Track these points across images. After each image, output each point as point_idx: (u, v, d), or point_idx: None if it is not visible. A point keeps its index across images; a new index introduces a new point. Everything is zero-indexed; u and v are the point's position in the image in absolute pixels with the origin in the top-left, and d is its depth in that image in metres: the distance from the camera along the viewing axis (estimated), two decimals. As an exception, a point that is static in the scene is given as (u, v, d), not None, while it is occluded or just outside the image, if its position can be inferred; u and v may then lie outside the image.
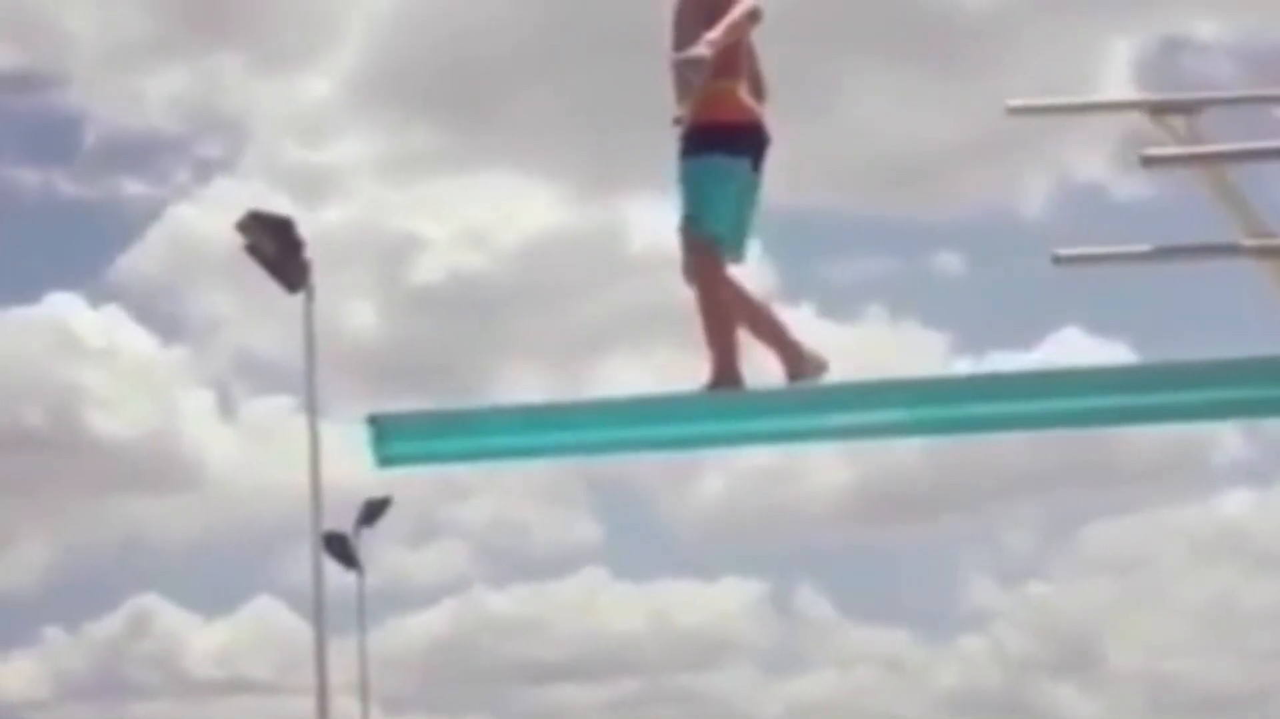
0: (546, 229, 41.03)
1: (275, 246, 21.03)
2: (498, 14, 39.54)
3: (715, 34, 7.58)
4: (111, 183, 49.28)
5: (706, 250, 7.82)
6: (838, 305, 42.69)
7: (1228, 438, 35.98)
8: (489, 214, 40.70)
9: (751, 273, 7.62)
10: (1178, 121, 7.93)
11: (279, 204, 40.21)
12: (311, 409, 21.41)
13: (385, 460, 7.42)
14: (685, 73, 7.63)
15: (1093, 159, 39.65)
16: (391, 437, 7.25)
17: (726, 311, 7.92)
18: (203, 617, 38.22)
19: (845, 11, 35.67)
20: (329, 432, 39.75)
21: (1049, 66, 38.67)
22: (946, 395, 8.00)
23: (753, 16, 7.75)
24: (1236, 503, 37.70)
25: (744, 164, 7.83)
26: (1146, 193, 38.92)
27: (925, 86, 38.18)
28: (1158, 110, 8.01)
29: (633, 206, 41.32)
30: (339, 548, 26.44)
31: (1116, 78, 38.86)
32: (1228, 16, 39.18)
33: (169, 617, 38.01)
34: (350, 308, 37.90)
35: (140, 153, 48.43)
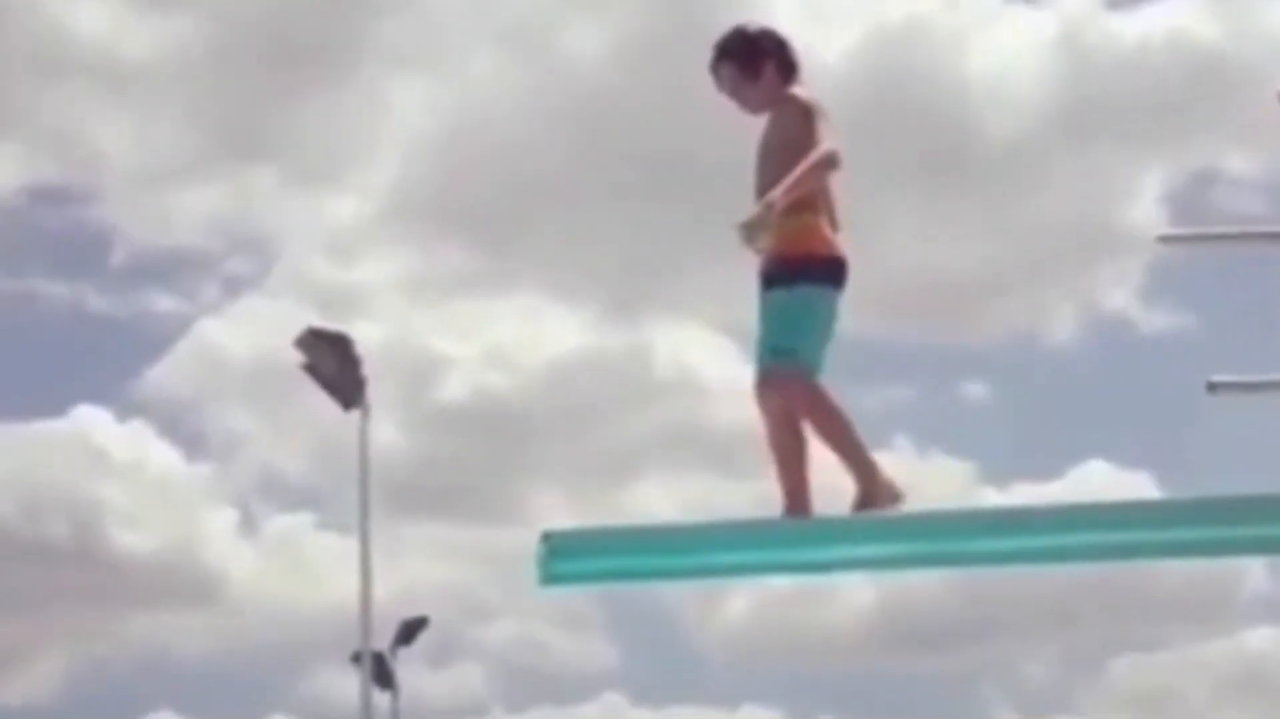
0: (573, 351, 41.11)
1: (334, 363, 21.13)
2: (529, 135, 39.84)
3: (778, 193, 7.71)
4: (140, 298, 49.31)
5: (803, 379, 7.87)
6: (863, 432, 42.58)
7: (1254, 574, 35.93)
8: (516, 335, 40.84)
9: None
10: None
11: (306, 321, 40.78)
12: (364, 529, 21.37)
13: (552, 578, 7.43)
14: (749, 234, 7.78)
15: (1119, 290, 39.93)
16: (563, 554, 7.27)
17: (846, 427, 7.91)
18: (219, 734, 37.97)
19: (874, 136, 35.98)
20: (350, 549, 39.99)
21: (1078, 195, 38.98)
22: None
23: (830, 163, 7.85)
24: (1262, 639, 37.54)
25: (831, 294, 7.94)
26: (1170, 324, 39.28)
27: (954, 213, 38.32)
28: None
29: (659, 329, 41.49)
30: (375, 667, 26.30)
31: (1145, 209, 39.17)
32: (1259, 151, 39.51)
33: (185, 733, 37.76)
34: (375, 426, 37.96)
35: (170, 268, 48.51)
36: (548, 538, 7.26)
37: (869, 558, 7.63)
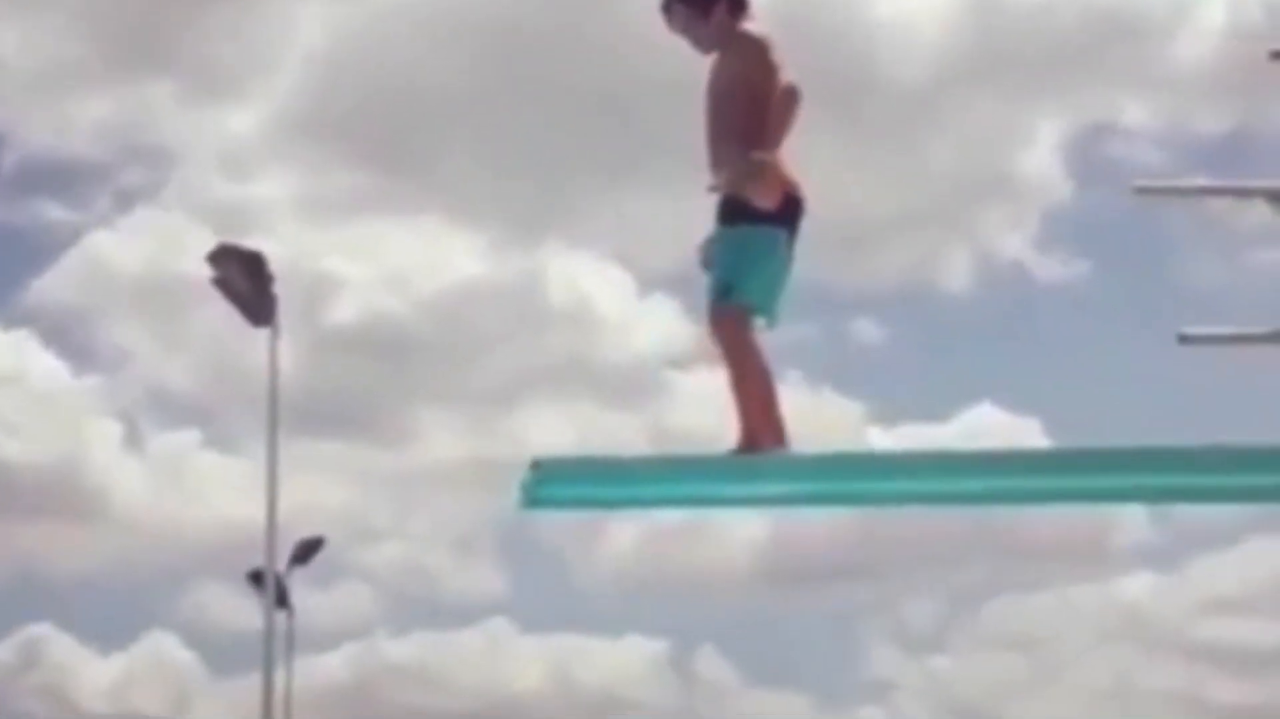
0: (468, 277, 41.08)
1: (246, 280, 20.99)
2: (429, 59, 39.68)
3: (765, 150, 7.81)
4: (30, 206, 48.78)
5: (738, 318, 7.94)
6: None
7: (1132, 521, 36.57)
8: (411, 258, 40.72)
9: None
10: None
11: (199, 238, 40.44)
12: (272, 448, 21.27)
13: (534, 502, 7.53)
14: (741, 182, 7.84)
15: (1015, 237, 40.36)
16: (550, 480, 7.35)
17: (759, 376, 7.97)
18: (96, 649, 37.84)
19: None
20: (238, 467, 39.82)
21: (976, 142, 39.35)
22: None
23: (798, 100, 7.95)
24: (1138, 585, 38.28)
25: (783, 234, 8.02)
26: (1064, 273, 39.78)
27: (855, 156, 38.52)
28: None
29: (555, 259, 41.53)
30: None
31: (1042, 157, 39.63)
32: (1155, 103, 40.02)
33: (62, 648, 37.57)
34: (262, 344, 37.74)
35: (62, 178, 47.93)
36: (537, 465, 7.34)
37: (855, 494, 7.73)
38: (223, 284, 21.25)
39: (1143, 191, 8.52)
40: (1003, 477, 7.80)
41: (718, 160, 7.98)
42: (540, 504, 7.58)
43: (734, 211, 7.94)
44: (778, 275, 8.03)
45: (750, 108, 7.90)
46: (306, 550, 26.72)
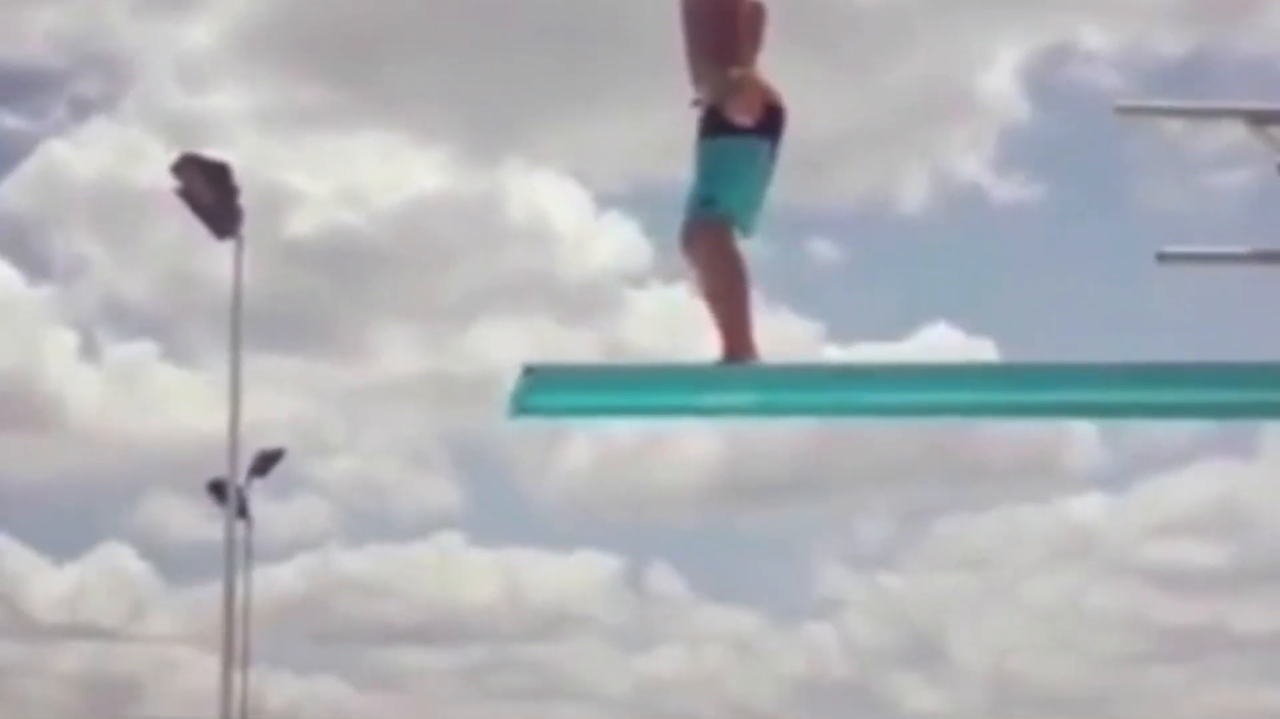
0: (426, 192, 41.10)
1: (210, 192, 20.99)
2: (393, -27, 39.48)
3: (741, 64, 7.94)
4: (-15, 114, 48.44)
5: (719, 230, 8.07)
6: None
7: (1083, 442, 36.95)
8: (370, 172, 40.69)
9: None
10: (1276, 132, 8.33)
11: (156, 149, 40.30)
12: (235, 360, 21.37)
13: (524, 410, 7.63)
14: (721, 97, 7.98)
15: (972, 158, 40.53)
16: (541, 388, 7.45)
17: (738, 286, 8.09)
18: (50, 559, 37.93)
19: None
20: (194, 379, 39.81)
21: (936, 63, 39.45)
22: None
23: (763, 15, 8.06)
24: (1087, 507, 38.66)
25: (765, 146, 8.15)
26: (1020, 195, 39.99)
27: (813, 75, 38.52)
28: (1257, 120, 8.41)
29: (514, 175, 41.53)
30: (225, 497, 26.32)
31: (1001, 79, 39.76)
32: (1113, 27, 40.17)
33: (15, 557, 37.67)
34: (218, 256, 37.74)
35: (17, 86, 47.57)
36: (530, 371, 7.42)
37: (851, 403, 7.86)
38: (186, 195, 21.24)
39: (1123, 111, 8.64)
40: (979, 389, 7.97)
41: (698, 76, 8.11)
42: (529, 412, 7.66)
43: (714, 125, 8.06)
44: (757, 187, 8.16)
45: (722, 24, 8.03)
46: (266, 462, 26.80)
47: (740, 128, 8.00)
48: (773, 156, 8.15)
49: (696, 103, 8.12)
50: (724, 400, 7.73)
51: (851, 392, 7.66)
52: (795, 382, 7.62)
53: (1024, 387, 8.02)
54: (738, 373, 7.49)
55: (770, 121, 8.12)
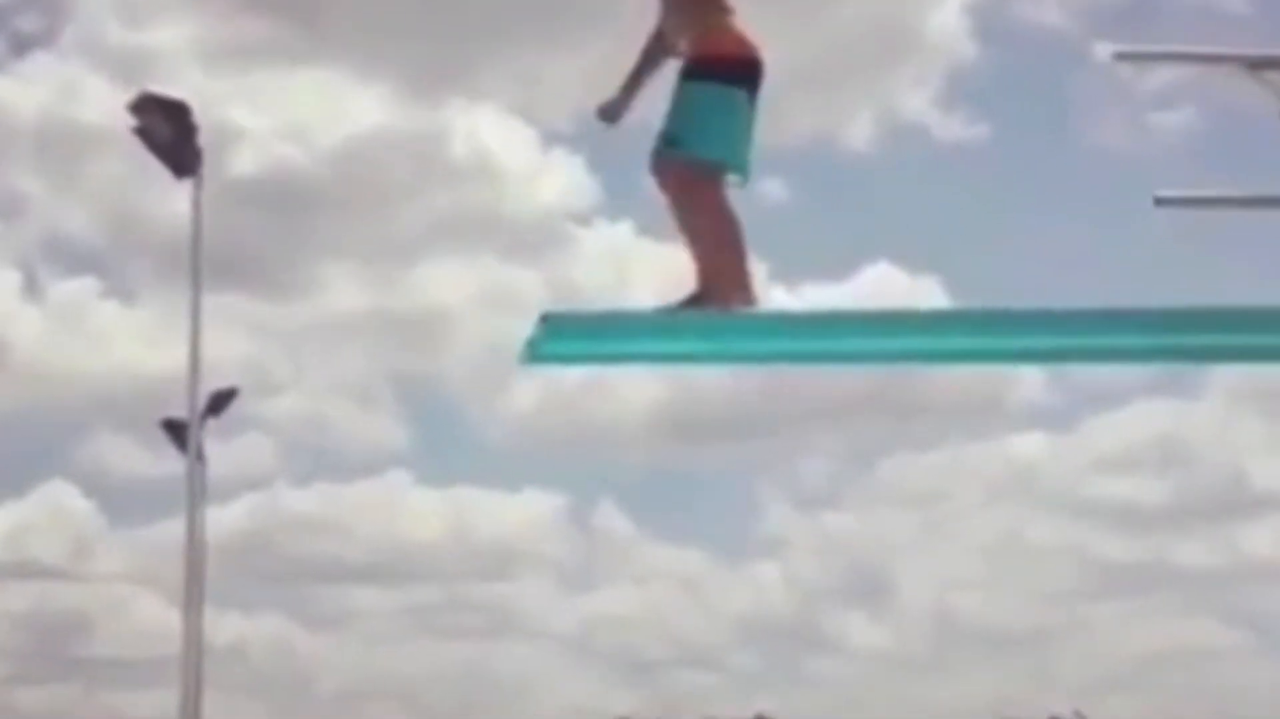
0: (370, 129, 40.79)
1: (169, 130, 20.90)
2: (333, -91, 39.20)
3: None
4: (-83, 49, 47.90)
5: (690, 170, 8.15)
6: (658, 224, 42.93)
7: (1027, 381, 37.24)
8: (312, 109, 40.43)
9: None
10: (1275, 77, 8.41)
11: (97, 85, 39.99)
12: (196, 299, 21.32)
13: (539, 357, 7.71)
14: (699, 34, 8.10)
15: (918, 96, 40.61)
16: (557, 335, 7.52)
17: (722, 229, 8.18)
18: (-8, 496, 37.78)
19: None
20: (138, 317, 39.64)
21: (881, 3, 39.48)
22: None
23: None
24: (1031, 444, 38.99)
25: (743, 94, 8.26)
26: (966, 134, 40.09)
27: (758, 12, 38.57)
28: (1256, 66, 8.48)
29: (457, 113, 41.40)
30: (180, 435, 26.26)
31: (947, 17, 39.84)
32: (1061, -34, 40.25)
33: (-43, 495, 37.49)
34: (162, 193, 37.57)
35: (-47, 21, 47.12)
36: (546, 318, 7.50)
37: (879, 350, 7.96)
38: (145, 134, 21.15)
39: (1123, 57, 8.74)
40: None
41: (679, 24, 8.22)
42: (545, 359, 7.76)
43: (693, 69, 8.17)
44: (742, 132, 8.26)
45: None
46: (219, 401, 26.69)
47: (718, 73, 8.09)
48: (752, 105, 8.25)
49: (679, 53, 8.23)
50: (739, 347, 7.82)
51: (877, 338, 7.76)
52: (813, 328, 7.72)
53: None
54: (753, 319, 7.60)
55: (748, 72, 8.22)
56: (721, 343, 7.78)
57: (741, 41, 8.25)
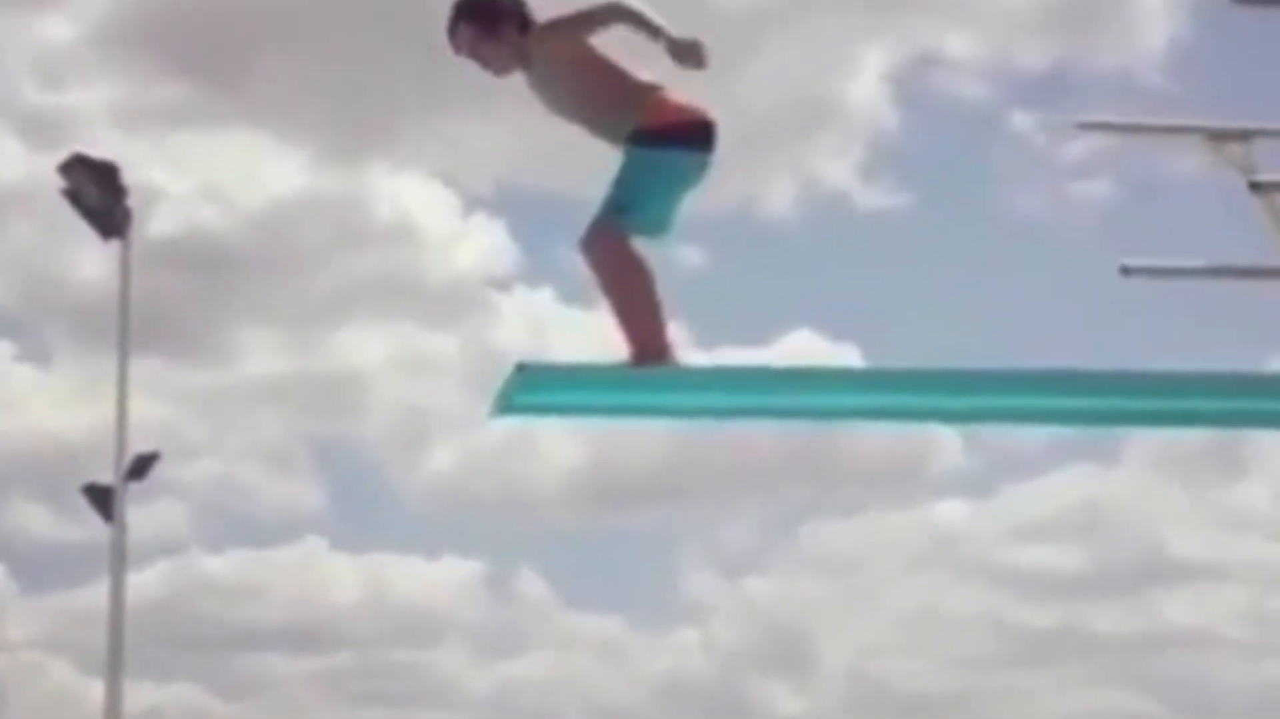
0: (290, 192, 40.63)
1: (97, 192, 20.79)
2: (251, -27, 39.14)
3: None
4: None
5: (623, 237, 8.17)
6: (578, 291, 42.97)
7: (947, 448, 37.40)
8: (232, 172, 40.25)
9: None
10: (1236, 149, 8.57)
11: (12, 146, 39.73)
12: (122, 362, 21.17)
13: (511, 408, 7.68)
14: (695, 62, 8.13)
15: (838, 165, 40.81)
16: (531, 386, 7.50)
17: (645, 288, 8.20)
18: (-100, 564, 37.27)
19: None
20: (53, 380, 39.28)
21: (798, 70, 39.72)
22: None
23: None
24: (950, 512, 39.11)
25: (696, 158, 8.29)
26: (888, 201, 40.40)
27: (675, 79, 38.70)
28: (1216, 137, 8.65)
29: (378, 177, 41.30)
30: (100, 501, 26.02)
31: (867, 86, 40.13)
32: (978, 34, 40.67)
33: None
34: (77, 255, 37.37)
35: None
36: (522, 369, 7.47)
37: (830, 407, 7.99)
38: (73, 196, 21.02)
39: (1086, 127, 8.88)
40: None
41: (606, 124, 8.19)
42: (517, 410, 7.72)
43: (642, 136, 8.17)
44: (677, 197, 8.29)
45: (603, 67, 8.16)
46: (141, 465, 26.49)
47: (671, 138, 8.12)
48: (703, 167, 8.28)
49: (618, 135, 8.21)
50: (719, 401, 7.83)
51: (865, 395, 7.79)
52: (797, 384, 7.73)
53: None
54: (733, 374, 7.64)
55: (703, 135, 8.25)
56: (701, 397, 7.78)
57: (689, 107, 8.29)
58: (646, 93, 8.16)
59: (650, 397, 7.84)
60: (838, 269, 39.98)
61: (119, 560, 20.95)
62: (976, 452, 36.69)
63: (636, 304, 8.09)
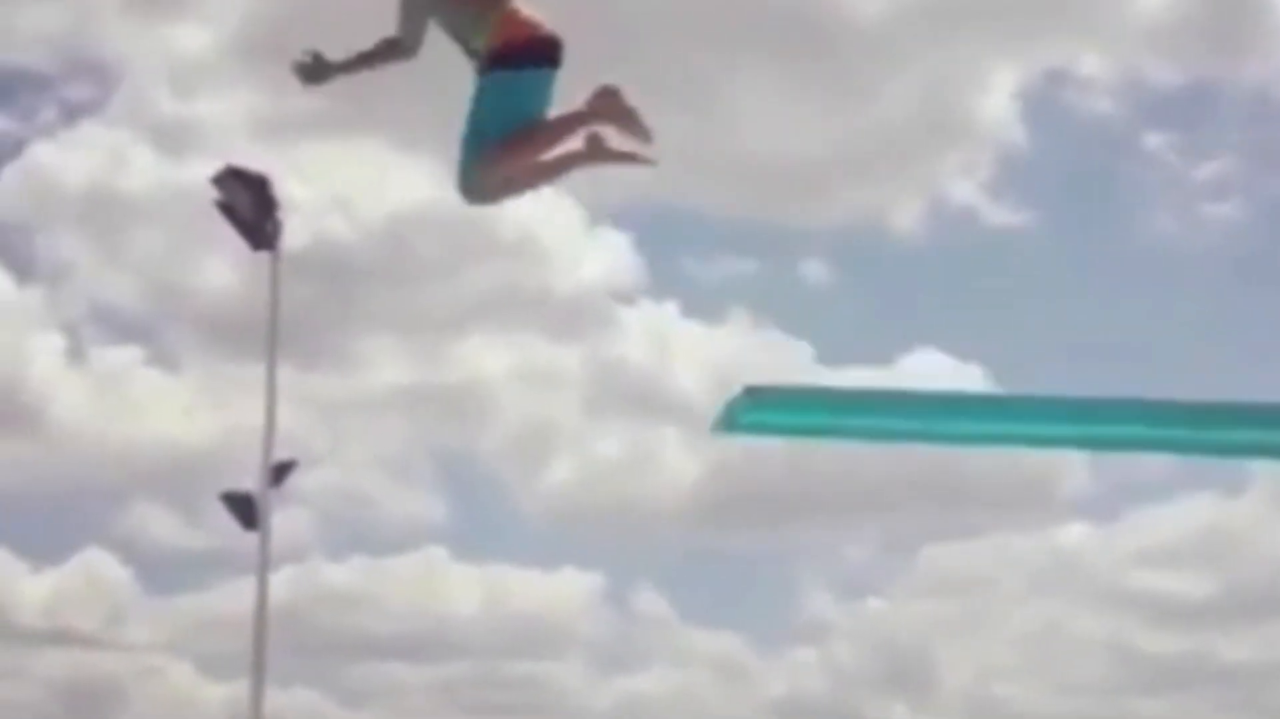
0: (416, 202, 40.89)
1: (250, 204, 21.02)
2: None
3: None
4: (-28, 116, 48.11)
5: (494, 142, 8.46)
6: (701, 305, 43.20)
7: (1073, 471, 37.19)
8: (358, 183, 40.57)
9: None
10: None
11: (143, 153, 40.22)
12: (271, 371, 21.37)
13: (735, 427, 7.76)
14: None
15: (967, 182, 40.65)
16: (758, 407, 7.57)
17: (538, 138, 8.54)
18: (31, 564, 37.74)
19: (733, 11, 36.22)
20: (179, 386, 39.67)
21: (928, 87, 39.62)
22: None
23: None
24: (1074, 535, 38.87)
25: (544, 74, 8.47)
26: (1016, 219, 40.22)
27: (807, 94, 38.71)
28: None
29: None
30: (243, 508, 26.28)
31: (998, 103, 39.97)
32: (1111, 52, 40.40)
33: (-2, 561, 37.48)
34: (208, 264, 37.75)
35: (6, 88, 47.33)
36: (750, 391, 7.55)
37: (1068, 436, 7.98)
38: (226, 208, 21.26)
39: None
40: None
41: (466, 31, 8.57)
42: (741, 429, 7.80)
43: (490, 63, 8.47)
44: (532, 112, 8.45)
45: None
46: (280, 473, 26.77)
47: (513, 59, 8.17)
48: (551, 82, 8.45)
49: (474, 53, 8.29)
50: (942, 426, 7.84)
51: (1087, 424, 7.77)
52: (1022, 412, 7.73)
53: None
54: (957, 399, 7.65)
55: (547, 53, 8.40)
56: (924, 422, 7.80)
57: (533, 24, 8.35)
58: (496, 8, 8.24)
59: (874, 420, 7.87)
60: (964, 287, 39.85)
61: (264, 567, 21.19)
62: (1101, 475, 36.49)
63: (544, 138, 8.28)
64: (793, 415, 7.77)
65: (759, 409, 7.59)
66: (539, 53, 8.23)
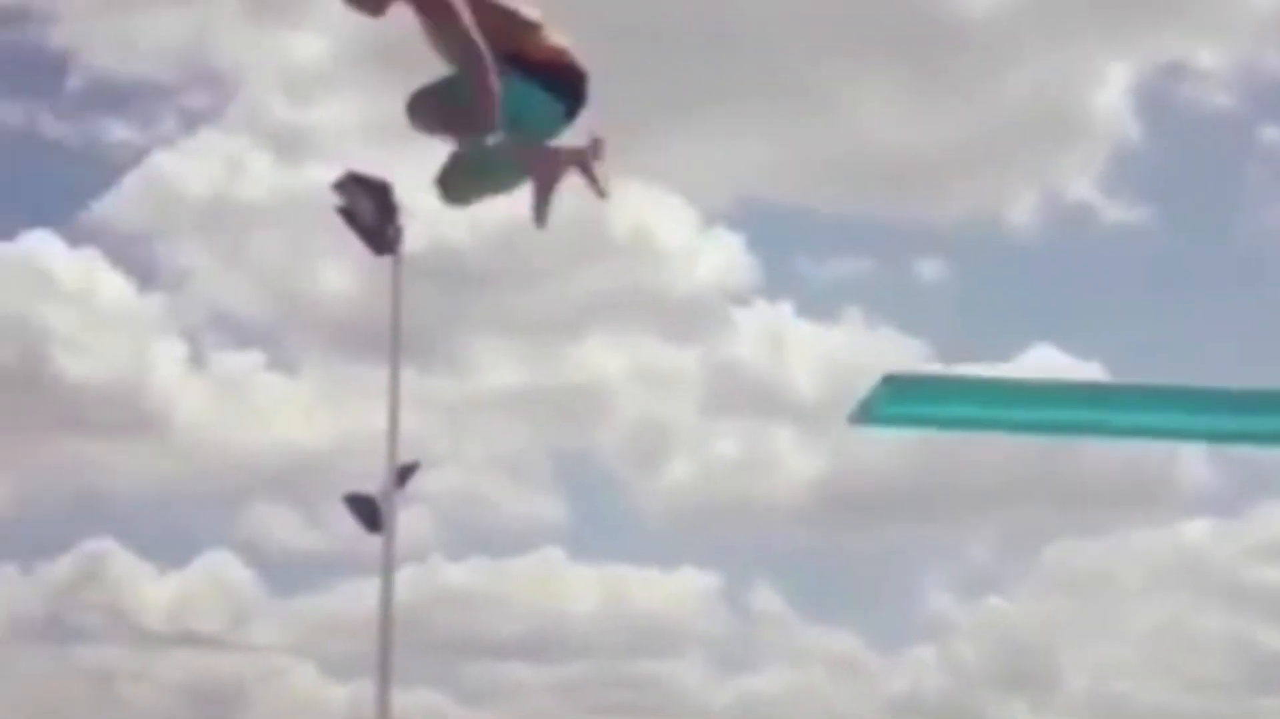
0: (529, 206, 41.07)
1: (372, 210, 21.20)
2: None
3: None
4: (95, 125, 48.81)
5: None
6: (816, 304, 43.15)
7: (1194, 466, 36.89)
8: (473, 189, 40.66)
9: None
10: None
11: (261, 160, 40.64)
12: (394, 376, 21.55)
13: (874, 418, 7.77)
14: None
15: (1083, 178, 40.41)
16: (898, 398, 7.58)
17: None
18: (156, 566, 38.22)
19: (846, 11, 36.17)
20: (299, 390, 40.04)
21: (1043, 82, 39.41)
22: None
23: None
24: (1197, 530, 38.54)
25: (560, 105, 8.63)
26: (1132, 215, 39.91)
27: (922, 90, 38.55)
28: None
29: (620, 189, 41.54)
30: (366, 510, 26.48)
31: (1113, 98, 39.71)
32: (1229, 45, 40.06)
33: (122, 564, 37.93)
34: (326, 270, 38.08)
35: (126, 97, 47.98)
36: (888, 380, 7.53)
37: (1198, 428, 7.92)
38: (347, 214, 21.45)
39: None
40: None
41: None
42: (880, 420, 7.81)
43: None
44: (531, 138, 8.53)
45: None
46: (403, 474, 26.94)
47: (533, 73, 8.15)
48: (568, 118, 8.27)
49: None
50: (1088, 418, 7.80)
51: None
52: (1182, 403, 7.65)
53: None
54: (1108, 390, 7.60)
55: (570, 80, 8.35)
56: (1069, 413, 7.75)
57: (559, 49, 8.47)
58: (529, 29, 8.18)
59: (1014, 411, 7.85)
60: (1080, 284, 39.59)
61: (388, 568, 21.37)
62: (1223, 470, 36.17)
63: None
64: (932, 406, 7.77)
65: (898, 400, 7.59)
66: (549, 73, 8.13)
